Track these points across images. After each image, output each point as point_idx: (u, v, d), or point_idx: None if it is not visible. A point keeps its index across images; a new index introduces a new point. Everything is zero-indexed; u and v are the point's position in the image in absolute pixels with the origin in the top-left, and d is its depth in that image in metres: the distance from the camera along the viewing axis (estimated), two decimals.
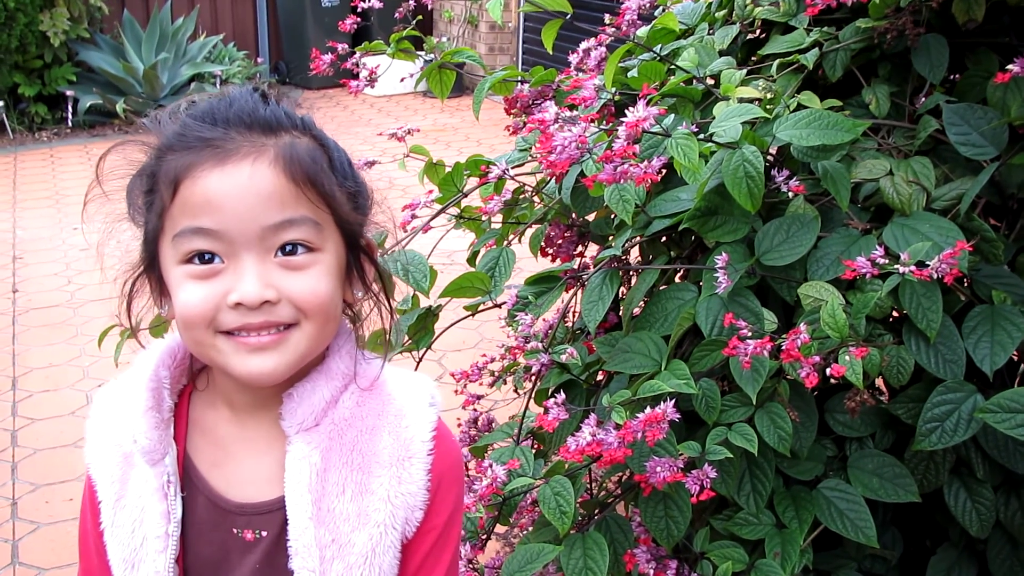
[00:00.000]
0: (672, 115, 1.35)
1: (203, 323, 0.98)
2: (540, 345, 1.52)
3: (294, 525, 1.03)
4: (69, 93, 8.12)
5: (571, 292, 1.64)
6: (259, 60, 9.82)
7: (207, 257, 0.97)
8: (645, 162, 1.27)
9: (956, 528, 1.81)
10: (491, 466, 1.43)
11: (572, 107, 2.00)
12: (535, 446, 1.90)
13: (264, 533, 1.05)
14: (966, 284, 1.71)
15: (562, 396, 1.47)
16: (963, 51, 1.91)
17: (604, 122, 1.80)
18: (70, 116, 8.22)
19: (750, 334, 1.45)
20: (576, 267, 1.67)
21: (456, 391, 2.29)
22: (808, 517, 1.66)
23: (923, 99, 1.91)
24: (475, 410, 2.36)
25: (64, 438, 3.46)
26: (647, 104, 1.28)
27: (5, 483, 3.19)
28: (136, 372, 1.08)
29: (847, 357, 1.39)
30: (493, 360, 2.30)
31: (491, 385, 2.26)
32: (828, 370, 1.40)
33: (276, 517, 1.05)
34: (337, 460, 1.05)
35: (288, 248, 0.98)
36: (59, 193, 6.57)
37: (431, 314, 1.78)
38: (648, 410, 1.39)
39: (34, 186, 6.74)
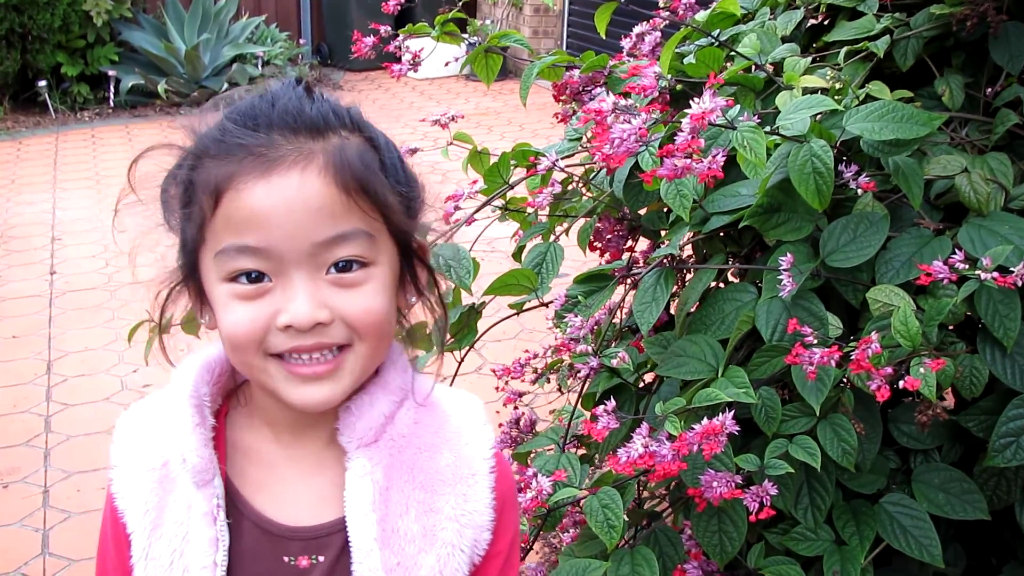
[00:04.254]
0: (736, 106, 1.26)
1: (252, 346, 0.90)
2: (590, 349, 1.43)
3: (358, 548, 0.95)
4: (111, 73, 8.11)
5: (623, 290, 1.55)
6: (301, 41, 9.76)
7: (254, 276, 0.89)
8: (709, 157, 1.18)
9: (1023, 546, 1.71)
10: (536, 476, 1.34)
11: (627, 95, 1.91)
12: (578, 448, 1.81)
13: (321, 559, 0.97)
14: None
15: (612, 403, 1.38)
16: None
17: (658, 112, 1.70)
18: (112, 96, 8.21)
19: (815, 341, 1.35)
20: (627, 265, 1.58)
21: (497, 388, 2.21)
22: (870, 533, 1.56)
23: (1000, 91, 1.80)
24: (516, 408, 2.28)
25: (97, 425, 3.41)
26: (713, 94, 1.18)
27: (37, 470, 3.15)
28: (174, 390, 0.99)
29: (921, 369, 1.29)
30: (536, 356, 2.23)
31: (533, 383, 2.18)
32: (901, 383, 1.30)
33: (334, 540, 0.96)
34: (399, 478, 0.97)
35: (341, 265, 0.89)
36: (100, 174, 6.55)
37: (474, 312, 1.70)
38: (705, 421, 1.30)
39: (75, 167, 6.73)
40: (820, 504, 1.56)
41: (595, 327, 1.54)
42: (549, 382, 2.15)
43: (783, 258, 1.42)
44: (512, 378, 2.09)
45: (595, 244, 1.92)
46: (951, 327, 1.54)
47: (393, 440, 0.98)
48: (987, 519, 1.58)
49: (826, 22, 2.03)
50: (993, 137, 1.68)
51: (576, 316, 1.45)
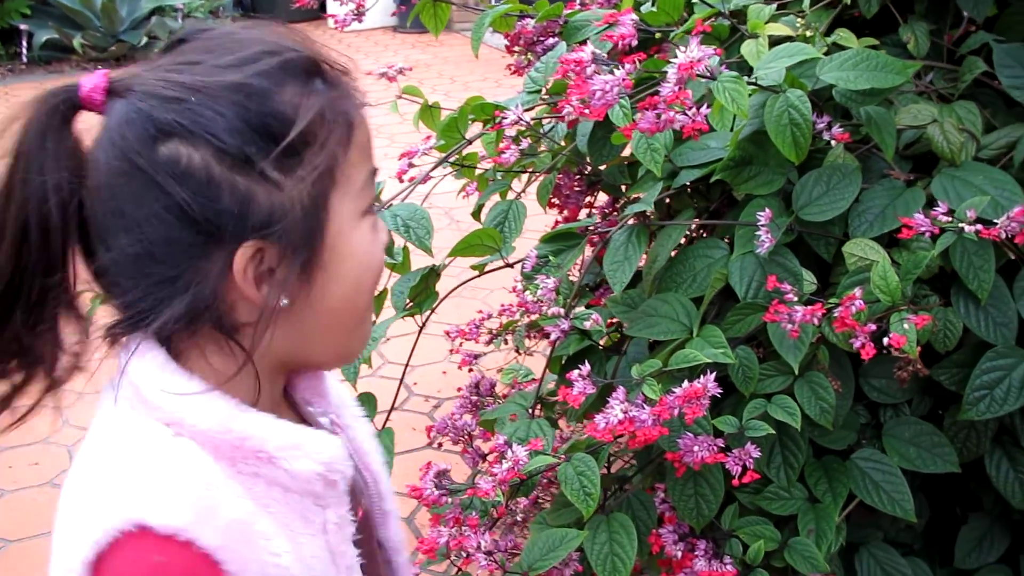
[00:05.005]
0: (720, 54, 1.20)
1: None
2: (561, 311, 1.38)
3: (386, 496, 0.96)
4: (23, 27, 7.78)
5: (593, 249, 1.49)
6: None
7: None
8: (693, 109, 1.12)
9: (990, 496, 1.70)
10: (510, 446, 1.29)
11: (583, 43, 1.84)
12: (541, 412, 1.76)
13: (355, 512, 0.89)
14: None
15: (587, 367, 1.33)
16: None
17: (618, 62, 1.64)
18: (24, 52, 7.88)
19: (796, 299, 1.31)
20: (597, 223, 1.52)
21: (452, 350, 2.15)
22: (843, 490, 1.54)
23: (962, 37, 1.77)
24: (471, 371, 2.23)
25: None
26: (699, 43, 1.12)
27: None
28: (218, 404, 0.78)
29: (905, 326, 1.26)
30: (489, 316, 2.17)
31: (488, 343, 2.12)
32: (885, 339, 1.26)
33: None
34: None
35: None
36: None
37: (434, 273, 1.63)
38: (685, 384, 1.26)
39: None
40: (793, 463, 1.53)
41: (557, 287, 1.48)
42: (507, 343, 2.10)
43: (761, 213, 1.37)
44: (466, 339, 2.04)
45: (553, 201, 1.87)
46: (923, 280, 1.51)
47: None
48: (958, 472, 1.57)
49: None
50: (960, 85, 1.65)
51: (548, 278, 1.39)
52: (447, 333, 2.03)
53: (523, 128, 1.46)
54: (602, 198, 1.98)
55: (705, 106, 1.14)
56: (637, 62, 1.14)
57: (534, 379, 3.12)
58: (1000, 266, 1.50)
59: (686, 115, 1.11)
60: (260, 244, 0.74)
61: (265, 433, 0.78)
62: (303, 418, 0.90)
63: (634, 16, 1.24)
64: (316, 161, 0.76)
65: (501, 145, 1.50)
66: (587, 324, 1.39)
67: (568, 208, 1.87)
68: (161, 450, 0.75)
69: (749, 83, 1.31)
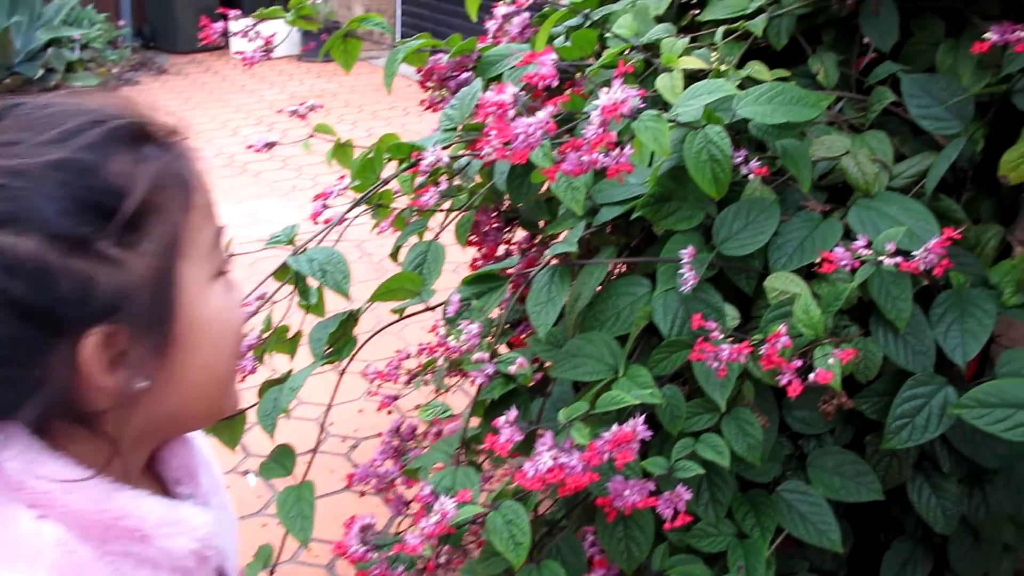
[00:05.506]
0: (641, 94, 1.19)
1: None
2: (486, 356, 1.35)
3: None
4: None
5: (514, 291, 1.47)
6: (121, 23, 9.26)
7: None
8: (616, 150, 1.11)
9: (912, 520, 1.72)
10: (437, 498, 1.25)
11: (496, 79, 1.83)
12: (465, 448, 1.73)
13: None
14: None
15: (514, 413, 1.30)
16: (905, 16, 1.79)
17: (531, 97, 1.63)
18: None
19: (721, 336, 1.30)
20: (519, 264, 1.50)
21: (370, 392, 2.11)
22: (771, 524, 1.54)
23: (864, 64, 1.80)
24: (390, 412, 2.18)
25: None
26: (622, 83, 1.11)
27: None
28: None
29: (831, 360, 1.26)
30: (409, 356, 2.13)
31: (408, 383, 2.08)
32: (811, 375, 1.26)
33: None
34: None
35: None
36: None
37: (352, 319, 1.59)
38: (615, 427, 1.24)
39: None
40: (720, 499, 1.52)
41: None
42: (426, 384, 2.07)
43: (684, 251, 1.36)
44: (385, 380, 1.99)
45: (471, 238, 1.84)
46: (843, 311, 1.52)
47: None
48: (881, 500, 1.58)
49: (694, 0, 2.00)
50: (870, 115, 1.67)
51: (471, 323, 1.35)
52: (364, 373, 1.99)
53: (442, 168, 1.43)
54: (520, 233, 1.96)
55: (628, 146, 1.12)
56: (561, 104, 1.12)
57: (453, 416, 3.09)
58: (916, 292, 1.52)
59: (610, 156, 1.10)
60: (108, 329, 0.69)
61: (142, 511, 0.74)
62: (167, 489, 0.86)
63: (554, 56, 1.22)
64: (157, 232, 0.72)
65: (420, 187, 1.46)
66: (512, 368, 1.36)
67: (486, 245, 1.85)
68: (19, 537, 0.70)
69: (668, 120, 1.30)
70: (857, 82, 1.80)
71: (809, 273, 1.51)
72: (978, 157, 1.66)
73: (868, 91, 1.74)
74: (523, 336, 1.80)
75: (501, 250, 1.91)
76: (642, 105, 1.29)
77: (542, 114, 1.09)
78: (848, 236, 1.51)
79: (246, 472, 2.92)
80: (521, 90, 1.12)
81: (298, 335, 1.99)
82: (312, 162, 5.84)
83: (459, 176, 1.82)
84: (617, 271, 1.66)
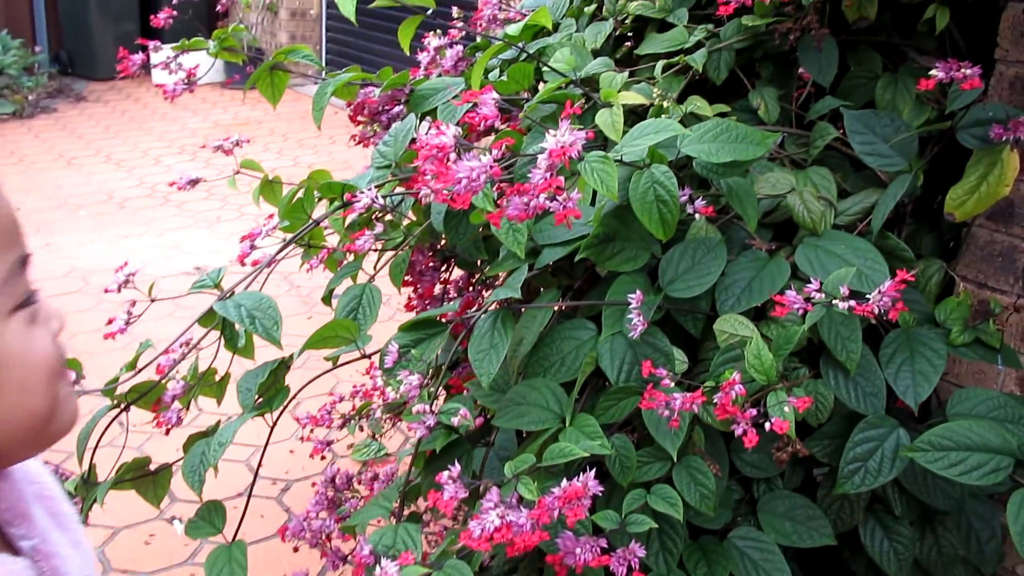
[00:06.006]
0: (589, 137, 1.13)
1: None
2: (427, 408, 1.28)
3: None
4: None
5: (459, 337, 1.40)
6: (37, 49, 9.02)
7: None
8: (564, 195, 1.05)
9: (863, 563, 1.68)
10: (378, 561, 1.18)
11: (430, 113, 1.77)
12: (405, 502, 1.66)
13: None
14: None
15: (456, 468, 1.23)
16: (842, 50, 1.78)
17: (466, 135, 1.57)
18: None
19: (672, 384, 1.25)
20: (460, 307, 1.44)
21: (302, 438, 2.02)
22: (722, 572, 1.48)
23: (801, 97, 1.78)
24: (323, 458, 2.10)
25: None
26: (568, 124, 1.05)
27: None
28: None
29: (786, 408, 1.22)
30: (342, 399, 2.05)
31: (341, 427, 2.00)
32: (767, 424, 1.22)
33: None
34: None
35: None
36: None
37: (284, 367, 1.51)
38: (564, 482, 1.18)
39: None
40: (672, 548, 1.47)
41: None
42: (362, 430, 1.99)
43: (632, 295, 1.31)
44: (318, 426, 1.91)
45: (407, 279, 1.77)
46: (792, 352, 1.48)
47: None
48: (834, 544, 1.54)
49: (629, 34, 1.96)
50: (813, 151, 1.65)
51: (411, 374, 1.29)
52: (295, 418, 1.91)
53: (376, 209, 1.37)
54: (458, 271, 1.90)
55: (576, 191, 1.07)
56: (505, 147, 1.07)
57: (389, 456, 3.01)
58: (863, 328, 1.49)
59: (557, 201, 1.05)
60: None
61: None
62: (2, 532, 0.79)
63: (495, 95, 1.17)
64: None
65: (353, 229, 1.39)
66: (455, 420, 1.29)
67: (422, 285, 1.78)
68: None
69: (612, 159, 1.25)
70: (797, 117, 1.78)
71: (757, 313, 1.48)
72: (918, 191, 1.65)
73: (809, 126, 1.72)
74: (463, 378, 1.74)
75: (438, 289, 1.85)
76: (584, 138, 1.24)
77: (486, 158, 1.03)
78: (795, 276, 1.48)
79: (173, 519, 2.81)
80: (458, 129, 1.06)
81: (226, 378, 1.91)
82: (237, 191, 5.73)
83: (392, 213, 1.76)
84: (560, 310, 1.60)
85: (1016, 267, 1.64)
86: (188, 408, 1.52)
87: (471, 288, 1.81)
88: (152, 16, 1.88)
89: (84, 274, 4.53)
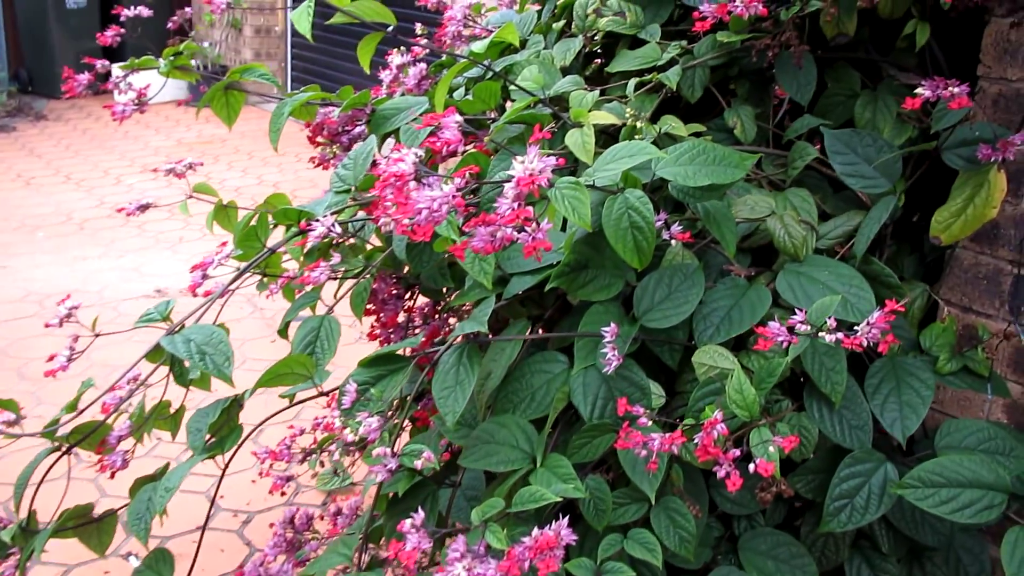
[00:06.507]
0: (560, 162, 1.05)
1: None
2: (388, 451, 1.20)
3: None
4: None
5: (423, 371, 1.32)
6: None
7: None
8: (533, 225, 0.98)
9: None
10: None
11: (392, 134, 1.69)
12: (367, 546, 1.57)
13: None
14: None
15: (420, 516, 1.15)
16: (820, 67, 1.71)
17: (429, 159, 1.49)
18: None
19: (650, 424, 1.18)
20: (424, 336, 1.36)
21: (261, 472, 1.93)
22: None
23: (778, 114, 1.72)
24: (283, 494, 2.01)
25: None
26: (537, 150, 0.98)
27: None
28: None
29: (771, 448, 1.14)
30: (303, 432, 1.96)
31: (302, 462, 1.91)
32: (751, 466, 1.14)
33: None
34: None
35: None
36: None
37: (236, 405, 1.42)
38: (536, 531, 1.10)
39: None
40: None
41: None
42: (323, 466, 1.90)
43: (606, 329, 1.24)
44: (277, 460, 1.82)
45: (369, 308, 1.69)
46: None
47: None
48: None
49: (598, 50, 1.89)
50: (791, 172, 1.58)
51: (370, 416, 1.20)
52: (255, 454, 1.81)
53: (341, 242, 1.29)
54: (423, 298, 1.82)
55: (546, 221, 0.99)
56: (469, 175, 0.99)
57: (354, 486, 2.91)
58: (847, 357, 1.42)
59: (525, 232, 0.97)
60: None
61: None
62: None
63: (459, 118, 1.09)
64: None
65: (309, 261, 1.31)
66: (418, 464, 1.21)
67: (386, 314, 1.70)
68: None
69: (584, 183, 1.18)
70: (774, 136, 1.71)
71: (737, 342, 1.41)
72: (899, 211, 1.59)
73: (787, 146, 1.66)
74: (429, 411, 1.66)
75: (402, 318, 1.77)
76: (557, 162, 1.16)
77: (448, 187, 0.96)
78: (777, 303, 1.41)
79: (129, 555, 2.69)
80: (421, 155, 0.98)
81: (181, 410, 1.81)
82: (201, 211, 5.60)
83: (355, 238, 1.67)
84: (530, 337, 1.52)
85: (1002, 290, 1.58)
86: (134, 451, 1.43)
87: (437, 316, 1.73)
88: (98, 35, 1.79)
89: (40, 298, 4.41)
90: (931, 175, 1.60)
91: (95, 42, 8.75)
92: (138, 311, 4.15)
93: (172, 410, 1.81)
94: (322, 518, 2.05)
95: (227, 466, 1.54)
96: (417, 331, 1.79)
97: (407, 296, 1.73)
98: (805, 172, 1.64)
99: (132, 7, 1.77)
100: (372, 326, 1.82)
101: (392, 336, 1.77)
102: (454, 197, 0.95)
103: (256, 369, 3.67)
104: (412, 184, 0.95)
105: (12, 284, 4.56)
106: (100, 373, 3.26)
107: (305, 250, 1.36)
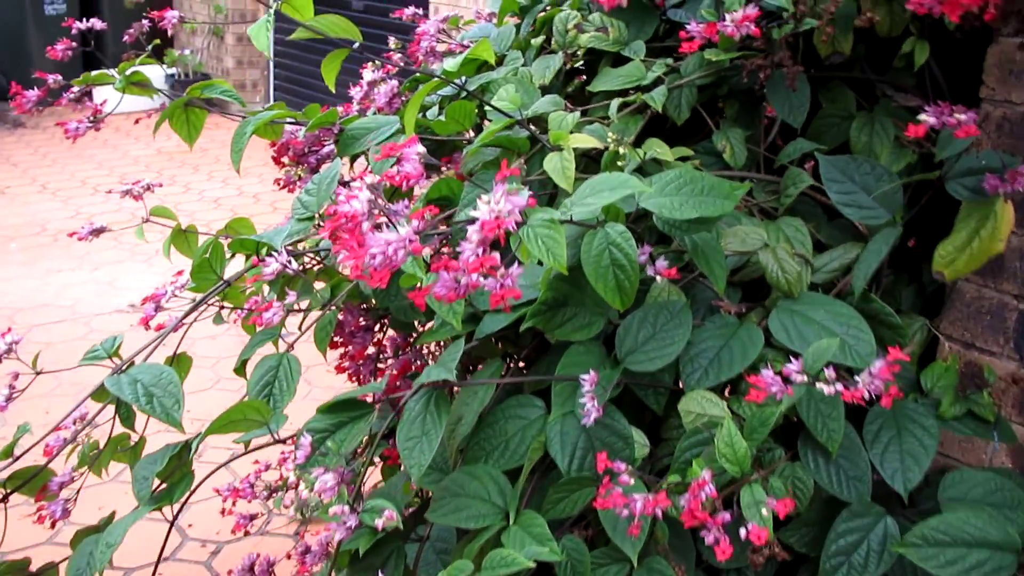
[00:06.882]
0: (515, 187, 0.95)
1: None
2: (345, 508, 1.10)
3: None
4: None
5: (386, 421, 1.22)
6: None
7: None
8: (502, 270, 0.88)
9: None
10: None
11: (362, 155, 1.59)
12: None
13: None
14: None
15: None
16: (813, 86, 1.62)
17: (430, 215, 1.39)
18: None
19: (632, 482, 1.08)
20: (396, 375, 1.26)
21: (223, 511, 1.83)
22: None
23: (770, 136, 1.63)
24: (247, 533, 1.90)
25: None
26: (505, 188, 0.88)
27: None
28: None
29: (764, 512, 1.04)
30: (268, 468, 1.86)
31: (268, 499, 1.81)
32: (742, 532, 1.04)
33: None
34: None
35: None
36: None
37: (187, 450, 1.31)
38: None
39: None
40: None
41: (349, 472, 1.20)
42: (287, 507, 1.80)
43: (585, 376, 1.14)
44: (239, 498, 1.72)
45: (336, 340, 1.59)
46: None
47: None
48: None
49: (580, 66, 1.80)
50: (784, 200, 1.49)
51: (326, 472, 1.10)
52: (217, 491, 1.71)
53: (298, 276, 1.18)
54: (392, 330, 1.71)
55: (516, 266, 0.89)
56: (428, 216, 0.89)
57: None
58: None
59: (493, 279, 0.87)
60: None
61: None
62: None
63: (420, 149, 0.99)
64: None
65: (261, 301, 1.21)
66: (379, 522, 1.11)
67: (354, 347, 1.60)
68: None
69: (561, 218, 1.08)
70: (765, 160, 1.62)
71: (727, 385, 1.31)
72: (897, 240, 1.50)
73: (779, 170, 1.56)
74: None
75: (371, 350, 1.67)
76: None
77: (405, 229, 0.86)
78: (769, 343, 1.32)
79: None
80: (375, 191, 0.88)
81: (142, 442, 1.71)
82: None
83: (324, 263, 1.57)
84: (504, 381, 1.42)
85: (1006, 326, 1.49)
86: (76, 501, 1.32)
87: (409, 348, 1.62)
88: (49, 48, 1.69)
89: (11, 312, 4.29)
90: (931, 200, 1.51)
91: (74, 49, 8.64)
92: (110, 327, 4.04)
93: (133, 440, 1.71)
94: (289, 556, 1.95)
95: (176, 516, 1.43)
96: (388, 363, 1.69)
97: (377, 328, 1.63)
98: (799, 198, 1.55)
99: (85, 20, 1.66)
100: (340, 356, 1.72)
101: (361, 369, 1.67)
102: (411, 242, 0.85)
103: (231, 390, 3.56)
104: (366, 225, 0.86)
105: None
106: (70, 392, 3.15)
107: (264, 286, 1.26)
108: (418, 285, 1.07)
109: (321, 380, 3.41)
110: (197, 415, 3.36)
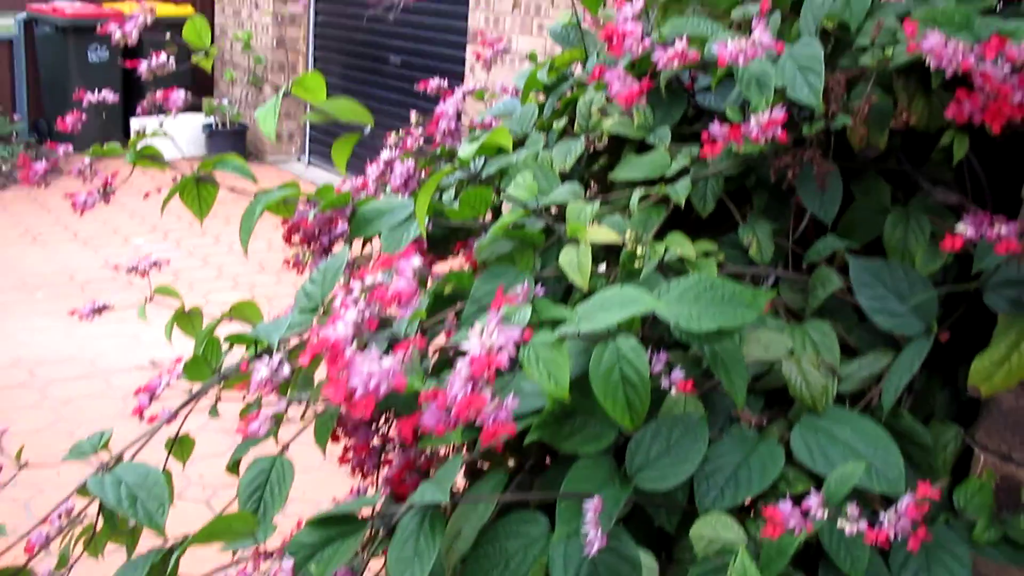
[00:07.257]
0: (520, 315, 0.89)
1: None
2: None
3: None
4: None
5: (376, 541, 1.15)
6: (16, 117, 8.85)
7: None
8: (495, 400, 0.81)
9: None
10: None
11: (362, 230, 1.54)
12: None
13: None
14: None
15: None
16: (846, 177, 1.55)
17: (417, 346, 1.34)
18: None
19: None
20: (397, 474, 1.20)
21: None
22: None
23: (798, 233, 1.55)
24: None
25: None
26: (499, 319, 0.81)
27: None
28: None
29: None
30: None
31: None
32: None
33: None
34: None
35: None
36: None
37: (170, 556, 1.25)
38: None
39: None
40: None
41: None
42: None
43: (590, 501, 1.06)
44: None
45: (338, 434, 1.52)
46: None
47: None
48: None
49: (602, 148, 1.74)
50: (812, 302, 1.41)
51: None
52: None
53: (281, 382, 1.12)
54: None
55: (512, 398, 0.83)
56: (414, 348, 0.83)
57: None
58: None
59: (486, 413, 0.80)
60: None
61: None
62: None
63: (416, 263, 0.93)
64: None
65: (248, 413, 1.15)
66: None
67: (357, 441, 1.53)
68: None
69: (569, 333, 1.01)
70: (794, 255, 1.54)
71: (745, 508, 1.23)
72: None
73: (807, 269, 1.49)
74: None
75: (376, 442, 1.60)
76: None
77: (389, 361, 0.79)
78: (790, 460, 1.23)
79: None
80: (363, 315, 0.82)
81: (139, 527, 1.65)
82: (204, 277, 5.46)
83: None
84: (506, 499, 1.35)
85: None
86: None
87: (414, 443, 1.55)
88: (60, 119, 1.66)
89: (31, 365, 4.26)
90: (968, 305, 1.43)
91: (116, 95, 8.75)
92: (130, 384, 3.98)
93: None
94: None
95: None
96: (393, 452, 1.62)
97: (382, 421, 1.57)
98: (829, 297, 1.47)
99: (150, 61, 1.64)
100: (344, 448, 1.66)
101: (366, 461, 1.60)
102: (394, 374, 0.79)
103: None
104: (349, 351, 0.79)
105: (3, 348, 4.43)
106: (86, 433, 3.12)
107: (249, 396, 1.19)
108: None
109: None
110: (210, 481, 3.31)
